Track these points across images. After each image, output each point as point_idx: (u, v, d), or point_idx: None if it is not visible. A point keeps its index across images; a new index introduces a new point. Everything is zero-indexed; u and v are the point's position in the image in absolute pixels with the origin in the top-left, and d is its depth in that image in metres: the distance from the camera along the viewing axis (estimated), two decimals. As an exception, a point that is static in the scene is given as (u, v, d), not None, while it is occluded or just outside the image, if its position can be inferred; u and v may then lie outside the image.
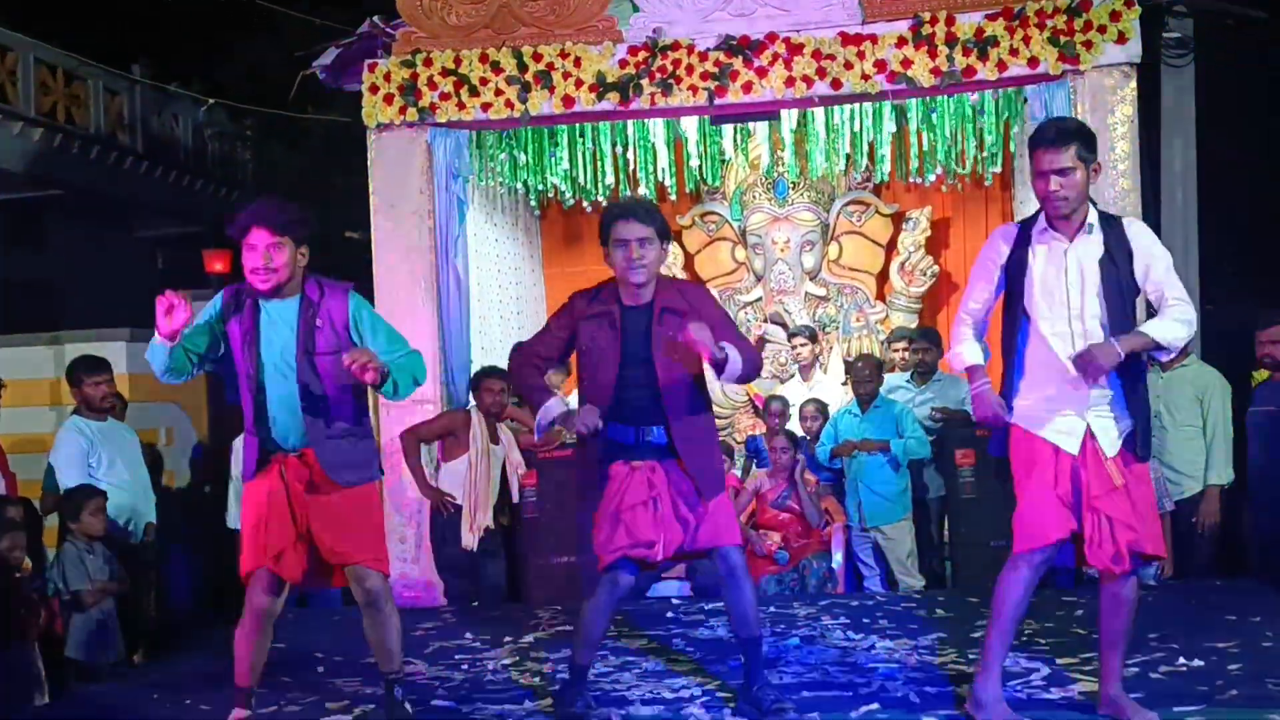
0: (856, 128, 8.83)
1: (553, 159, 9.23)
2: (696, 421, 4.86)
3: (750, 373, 4.82)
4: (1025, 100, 8.13)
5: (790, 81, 8.06)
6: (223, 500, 8.54)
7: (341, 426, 4.67)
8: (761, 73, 8.08)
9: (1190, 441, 7.23)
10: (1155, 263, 4.46)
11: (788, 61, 8.04)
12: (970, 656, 5.53)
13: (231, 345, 4.73)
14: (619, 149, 9.23)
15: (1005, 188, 10.08)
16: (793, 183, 10.30)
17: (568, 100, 8.26)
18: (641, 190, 9.50)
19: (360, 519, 4.70)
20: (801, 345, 9.27)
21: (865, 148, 9.09)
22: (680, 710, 4.89)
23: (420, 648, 6.10)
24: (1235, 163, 11.08)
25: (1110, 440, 4.44)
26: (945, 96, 8.36)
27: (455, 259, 8.59)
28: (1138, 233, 4.52)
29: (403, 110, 8.36)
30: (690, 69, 8.13)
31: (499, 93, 8.30)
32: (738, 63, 8.09)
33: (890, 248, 10.50)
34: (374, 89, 8.40)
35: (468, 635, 6.51)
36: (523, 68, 8.28)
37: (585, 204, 10.22)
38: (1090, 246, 4.45)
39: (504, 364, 8.61)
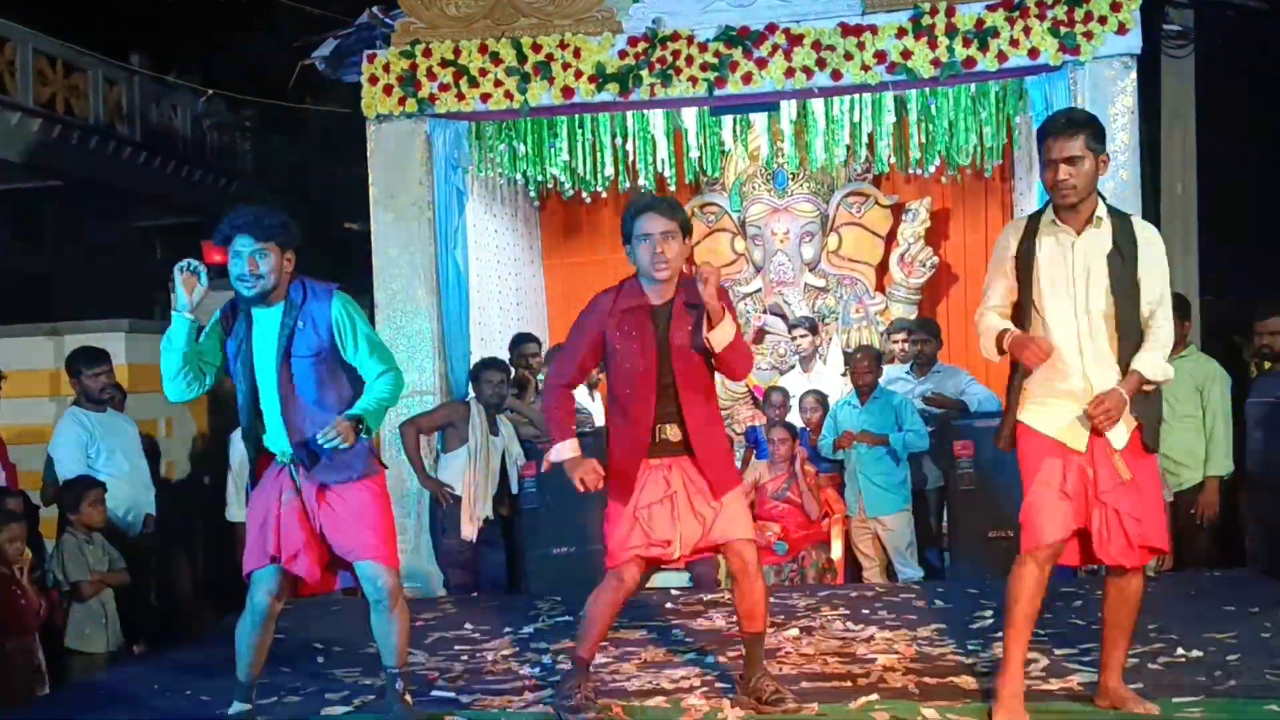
0: (856, 119, 8.83)
1: (552, 150, 9.23)
2: (710, 419, 4.88)
3: (735, 358, 4.79)
4: (1025, 92, 8.12)
5: (790, 72, 8.06)
6: (222, 491, 8.54)
7: (321, 429, 4.65)
8: (761, 64, 8.08)
9: (1190, 432, 7.23)
10: (1152, 270, 4.45)
11: (787, 52, 8.05)
12: (969, 647, 5.55)
13: (227, 356, 4.75)
14: (618, 140, 9.23)
15: (1005, 179, 10.08)
16: (792, 174, 10.30)
17: (567, 91, 8.26)
18: (641, 182, 9.50)
19: (365, 516, 4.69)
20: (801, 336, 9.27)
21: (865, 139, 9.08)
22: (680, 700, 4.89)
23: (420, 638, 6.10)
24: (1235, 154, 11.07)
25: (1118, 435, 4.44)
26: (945, 88, 8.36)
27: (455, 250, 8.59)
28: (1148, 237, 4.51)
29: (402, 101, 8.36)
30: (690, 60, 8.14)
31: (498, 84, 8.31)
32: (737, 54, 8.09)
33: (890, 239, 10.50)
34: (373, 80, 8.40)
35: (467, 626, 6.52)
36: (522, 58, 8.27)
37: (585, 195, 10.22)
38: (1098, 240, 4.44)
39: (504, 355, 8.64)
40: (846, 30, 7.99)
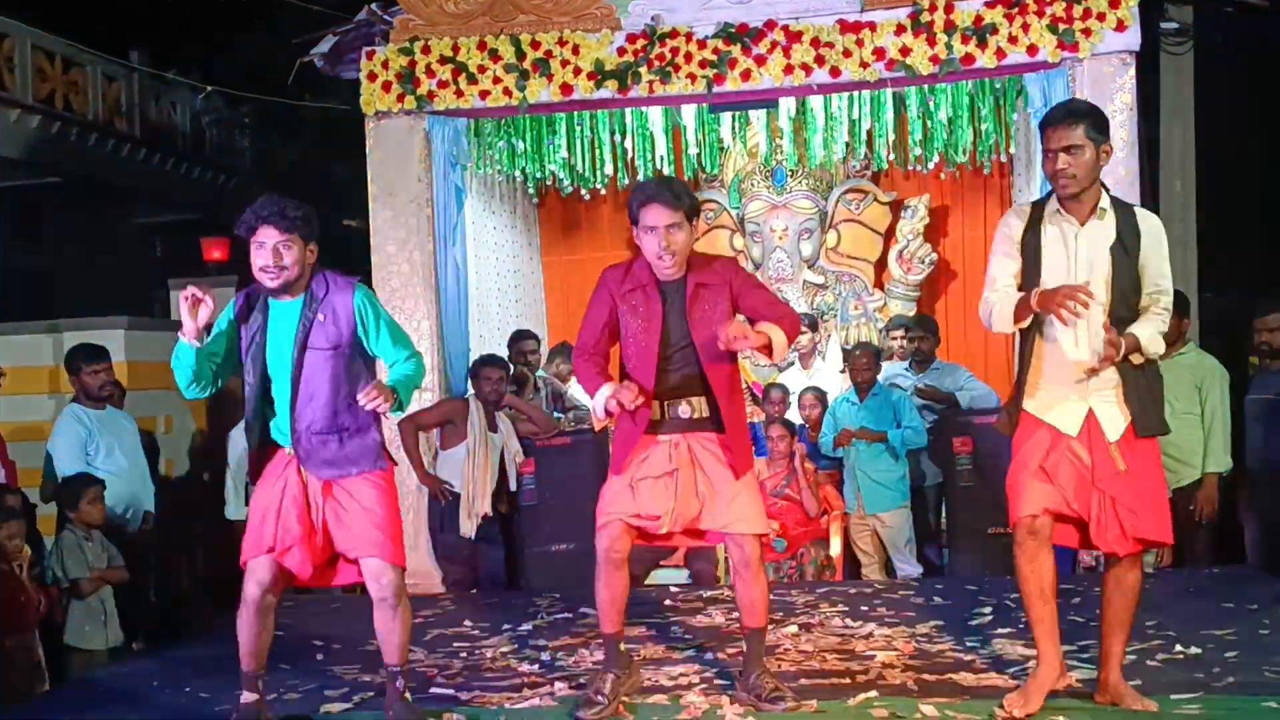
0: (855, 115, 8.82)
1: (551, 147, 9.23)
2: (735, 395, 4.85)
3: (794, 335, 4.83)
4: (1023, 88, 8.12)
5: (789, 69, 8.05)
6: (221, 489, 8.55)
7: (330, 423, 4.64)
8: (760, 60, 8.08)
9: (1188, 429, 7.22)
10: (1154, 256, 4.45)
11: (786, 49, 8.04)
12: (968, 644, 5.56)
13: (241, 346, 4.73)
14: (617, 137, 9.22)
15: (1004, 176, 10.08)
16: (791, 170, 10.30)
17: (566, 88, 8.26)
18: (640, 180, 9.49)
19: (372, 511, 4.65)
20: (800, 333, 9.25)
21: (863, 136, 9.08)
22: (679, 697, 4.90)
23: (419, 635, 6.09)
24: (1234, 151, 11.07)
25: (1114, 425, 4.44)
26: (944, 84, 8.36)
27: (454, 247, 8.59)
28: (1150, 227, 4.50)
29: (401, 98, 8.35)
30: (689, 57, 8.13)
31: (497, 80, 8.30)
32: (736, 50, 8.09)
33: (888, 235, 10.51)
34: (372, 76, 8.39)
35: (466, 623, 6.53)
36: (521, 55, 8.27)
37: (584, 192, 10.22)
38: (1101, 232, 4.44)
39: (503, 352, 8.64)
40: (845, 27, 7.99)
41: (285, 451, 4.71)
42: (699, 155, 9.93)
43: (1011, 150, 9.21)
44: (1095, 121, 4.44)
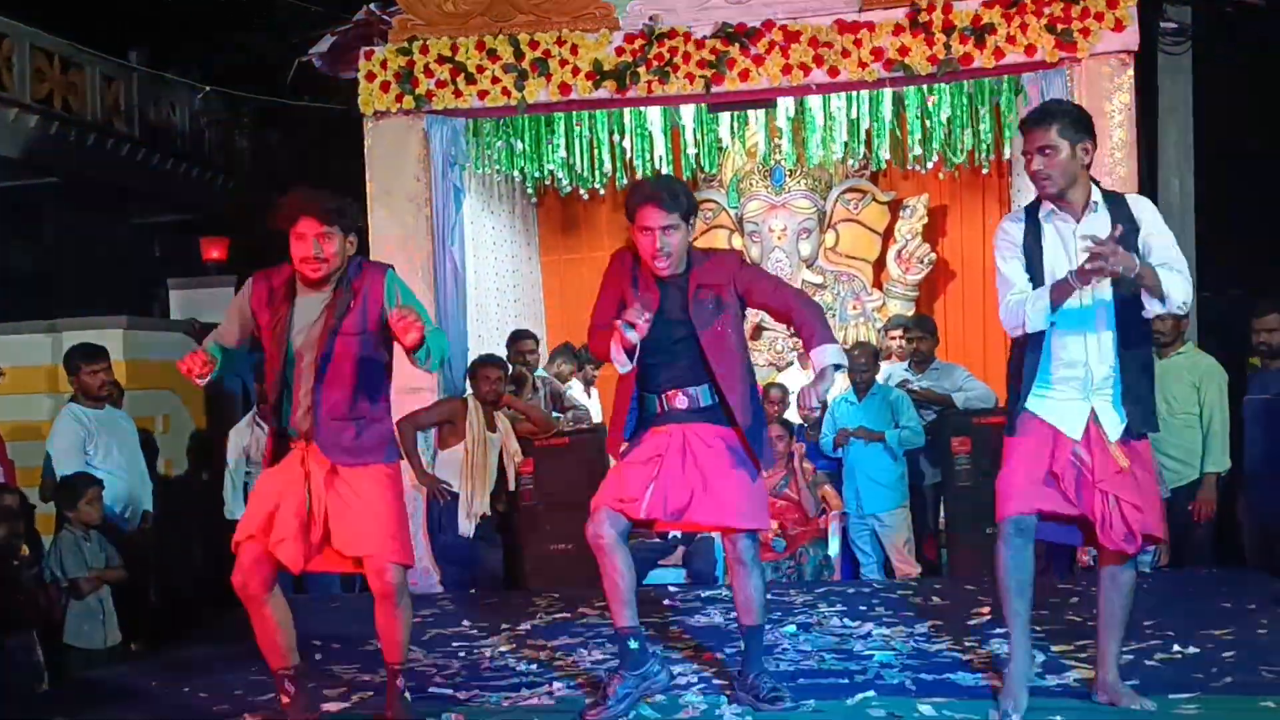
0: (853, 115, 8.84)
1: (549, 146, 9.24)
2: (746, 389, 4.84)
3: (819, 315, 4.86)
4: (1022, 88, 8.13)
5: (787, 69, 8.06)
6: (219, 488, 8.53)
7: (351, 409, 4.63)
8: (758, 60, 8.08)
9: (1187, 429, 7.23)
10: (1157, 237, 4.44)
11: (784, 49, 8.04)
12: (966, 644, 5.56)
13: (261, 332, 4.71)
14: (616, 137, 9.23)
15: (1002, 175, 10.09)
16: (790, 170, 10.31)
17: (564, 88, 8.26)
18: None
19: (377, 507, 4.62)
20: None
21: (862, 135, 9.09)
22: (677, 697, 4.90)
23: (418, 635, 6.09)
24: (1232, 151, 11.07)
25: (1114, 424, 4.45)
26: (942, 84, 8.36)
27: (452, 247, 8.59)
28: (1144, 208, 4.51)
29: (399, 98, 8.36)
30: (687, 57, 8.13)
31: (495, 80, 8.30)
32: (734, 50, 8.09)
33: (887, 235, 10.52)
34: (370, 76, 8.39)
35: (465, 623, 6.53)
36: (519, 55, 8.27)
37: (582, 191, 10.24)
38: (1097, 225, 4.44)
39: (501, 352, 8.65)
40: (843, 27, 7.99)
41: (296, 445, 4.68)
42: (697, 155, 9.93)
43: (1010, 150, 9.21)
44: (1071, 121, 4.44)
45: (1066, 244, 4.47)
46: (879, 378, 8.30)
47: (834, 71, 8.03)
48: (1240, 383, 7.45)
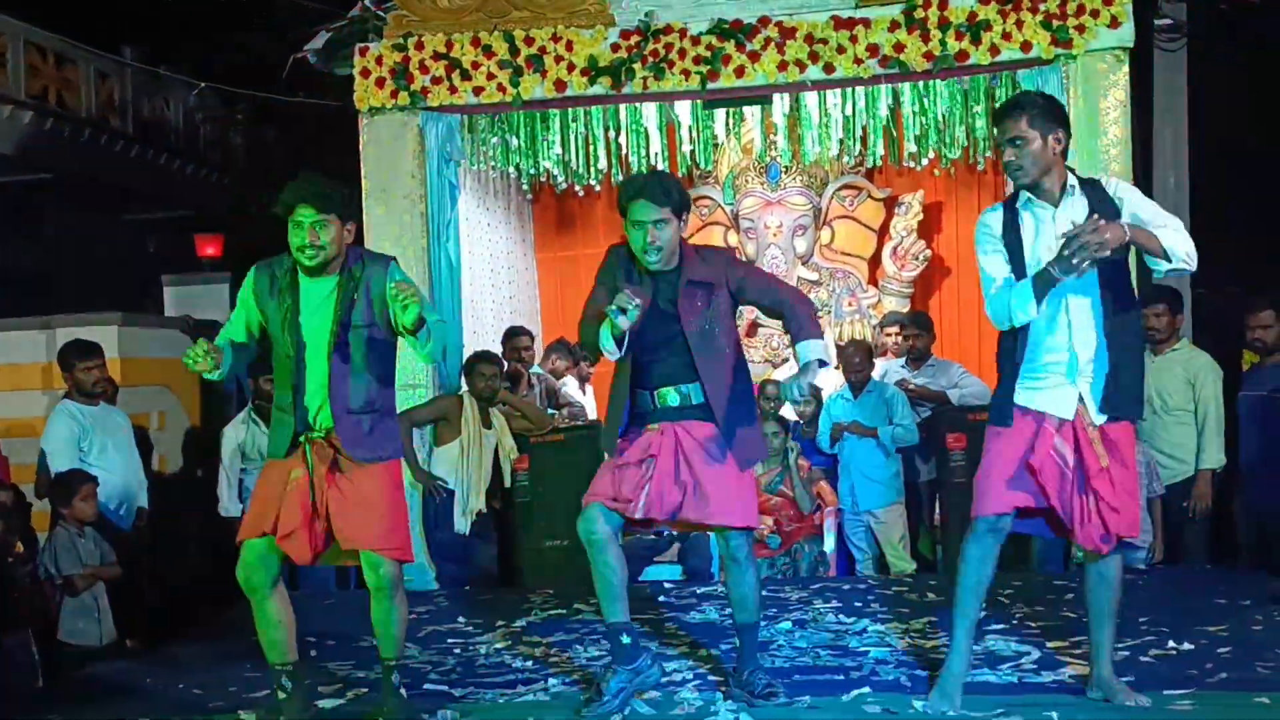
0: (849, 112, 8.82)
1: (545, 143, 9.22)
2: (733, 384, 4.82)
3: (810, 311, 4.90)
4: (1017, 85, 8.12)
5: (783, 66, 8.04)
6: (214, 485, 8.52)
7: (365, 402, 4.63)
8: (754, 57, 8.07)
9: (1182, 425, 7.25)
10: (1141, 209, 4.45)
11: (780, 46, 8.03)
12: (961, 640, 5.56)
13: (269, 324, 4.71)
14: (611, 133, 9.22)
15: (998, 172, 10.07)
16: (785, 167, 10.31)
17: (560, 84, 8.25)
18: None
19: (376, 502, 4.63)
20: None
21: (858, 132, 9.08)
22: (673, 693, 4.90)
23: (413, 631, 6.09)
24: (1227, 147, 11.08)
25: (1097, 408, 4.44)
26: (938, 81, 8.36)
27: (447, 243, 8.57)
28: (1122, 189, 4.54)
29: (394, 94, 8.34)
30: (682, 53, 8.11)
31: (491, 77, 8.29)
32: (730, 47, 8.08)
33: (882, 232, 10.52)
34: (365, 73, 8.38)
35: (460, 619, 6.53)
36: (514, 51, 8.26)
37: (577, 188, 10.23)
38: (1075, 207, 4.46)
39: (496, 348, 8.64)
40: (839, 23, 7.98)
41: (303, 439, 4.67)
42: (693, 152, 9.92)
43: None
44: (1042, 111, 4.47)
45: (1045, 229, 4.48)
46: (875, 374, 8.30)
47: (830, 68, 8.02)
48: (1235, 379, 7.46)
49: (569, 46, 8.21)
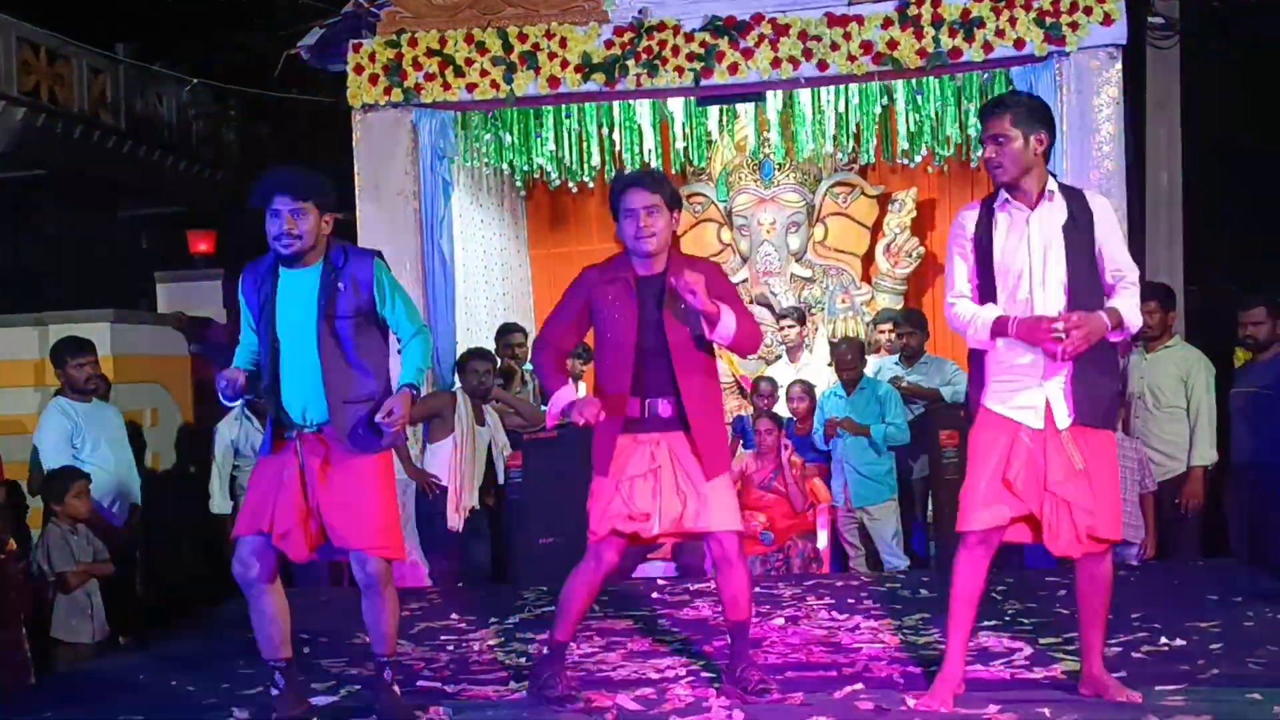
0: (842, 109, 8.83)
1: (538, 140, 9.22)
2: (707, 396, 4.82)
3: (744, 342, 4.77)
4: (1010, 82, 8.13)
5: (776, 63, 8.05)
6: (207, 481, 8.51)
7: (360, 393, 4.61)
8: (747, 54, 8.08)
9: (1174, 422, 7.26)
10: (1110, 237, 4.48)
11: (774, 43, 8.04)
12: (954, 637, 5.56)
13: (252, 318, 4.70)
14: (605, 130, 9.22)
15: (991, 169, 10.08)
16: (778, 164, 10.30)
17: (553, 81, 8.25)
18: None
19: (367, 501, 4.60)
20: (789, 327, 9.26)
21: (851, 129, 9.08)
22: (665, 690, 4.90)
23: (406, 628, 6.09)
24: (1220, 145, 11.10)
25: (1064, 413, 4.42)
26: (931, 78, 8.37)
27: (440, 240, 8.58)
28: (1099, 205, 4.56)
29: (387, 91, 8.34)
30: (676, 50, 8.13)
31: (484, 73, 8.29)
32: (724, 44, 8.09)
33: (876, 229, 10.52)
34: (359, 69, 8.38)
35: (453, 616, 6.53)
36: (508, 48, 8.26)
37: (571, 185, 10.22)
38: (1052, 213, 4.47)
39: (490, 345, 8.63)
40: (833, 20, 7.99)
41: (285, 430, 4.66)
42: (686, 148, 9.93)
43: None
44: (1026, 111, 4.49)
45: (1022, 230, 4.48)
46: (868, 371, 8.30)
47: (823, 65, 8.04)
48: (1228, 376, 7.48)
49: (562, 43, 8.21)
